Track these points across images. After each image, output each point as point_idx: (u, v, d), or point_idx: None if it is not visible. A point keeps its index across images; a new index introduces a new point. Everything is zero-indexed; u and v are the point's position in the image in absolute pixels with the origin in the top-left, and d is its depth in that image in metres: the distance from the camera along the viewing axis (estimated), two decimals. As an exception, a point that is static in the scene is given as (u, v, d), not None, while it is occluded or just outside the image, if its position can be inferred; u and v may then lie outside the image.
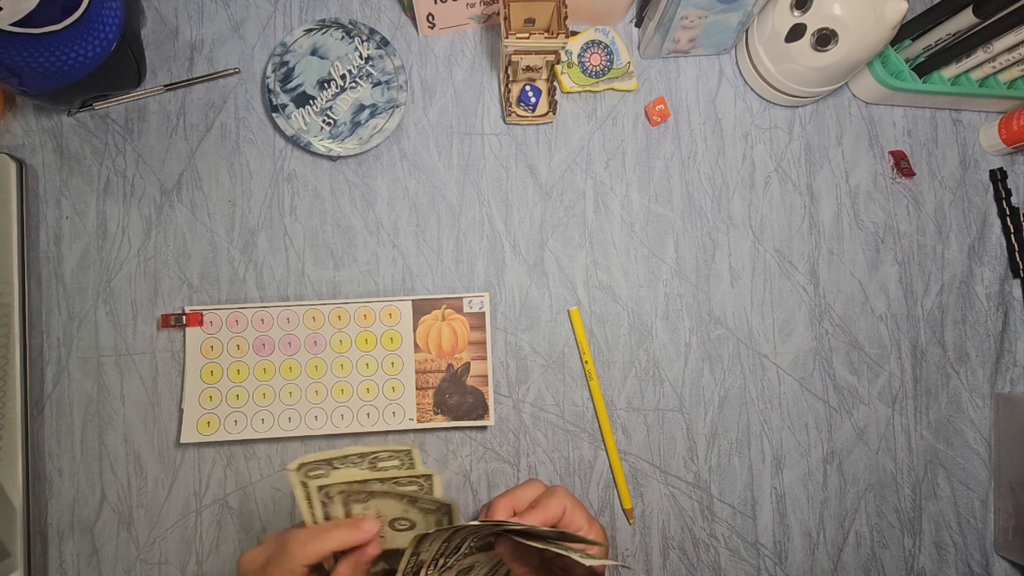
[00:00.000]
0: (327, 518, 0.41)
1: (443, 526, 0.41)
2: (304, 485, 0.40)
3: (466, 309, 0.59)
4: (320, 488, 0.40)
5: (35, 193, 0.58)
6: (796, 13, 0.57)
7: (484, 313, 0.59)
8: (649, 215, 0.62)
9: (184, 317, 0.57)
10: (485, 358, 0.59)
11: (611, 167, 0.62)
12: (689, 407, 0.62)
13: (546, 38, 0.54)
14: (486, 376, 0.59)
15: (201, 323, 0.57)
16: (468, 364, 0.59)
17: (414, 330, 0.59)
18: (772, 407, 0.62)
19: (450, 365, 0.59)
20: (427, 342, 0.59)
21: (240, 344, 0.58)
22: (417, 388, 0.59)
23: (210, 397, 0.57)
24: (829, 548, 0.62)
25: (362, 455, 0.41)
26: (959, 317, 0.65)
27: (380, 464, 0.41)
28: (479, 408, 0.59)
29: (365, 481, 0.40)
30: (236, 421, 0.57)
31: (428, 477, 0.41)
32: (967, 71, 0.63)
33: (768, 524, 0.62)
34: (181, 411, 0.57)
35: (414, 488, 0.41)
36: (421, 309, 0.59)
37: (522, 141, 0.62)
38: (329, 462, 0.40)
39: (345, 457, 0.40)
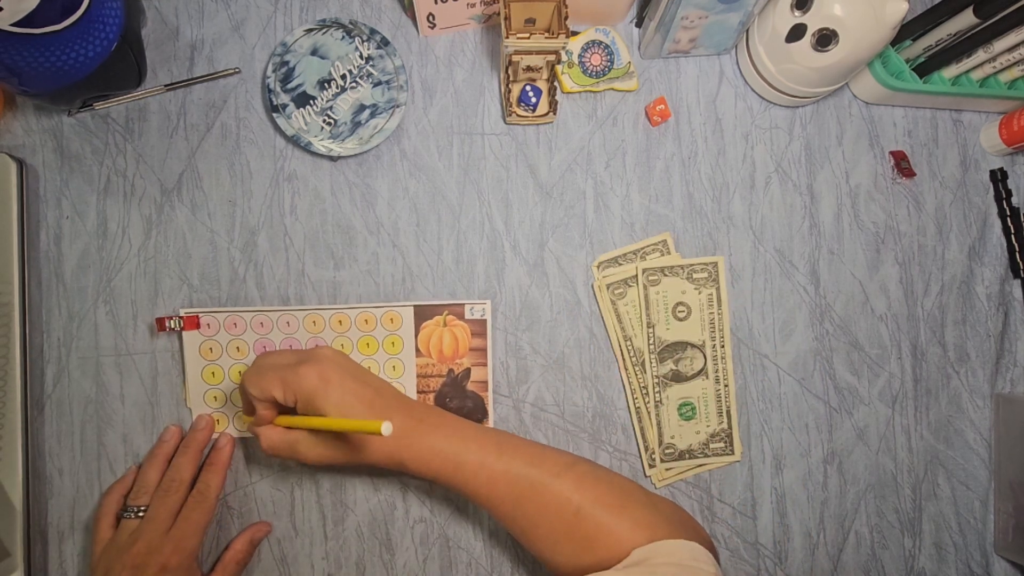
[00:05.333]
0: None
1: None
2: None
3: (468, 316, 0.59)
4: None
5: (35, 193, 0.58)
6: (796, 13, 0.57)
7: (485, 320, 0.59)
8: (649, 215, 0.62)
9: (179, 321, 0.56)
10: (486, 364, 0.59)
11: (611, 167, 0.62)
12: (689, 407, 0.62)
13: (546, 38, 0.54)
14: (486, 382, 0.59)
15: (198, 326, 0.57)
16: (469, 370, 0.59)
17: (415, 335, 0.59)
18: (772, 407, 0.62)
19: (451, 370, 0.59)
20: (428, 347, 0.59)
21: (240, 347, 0.58)
22: (418, 391, 0.59)
23: (215, 398, 0.57)
24: (829, 548, 0.62)
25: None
26: (959, 317, 0.65)
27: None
28: (479, 412, 0.59)
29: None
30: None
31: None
32: (967, 71, 0.63)
33: (768, 524, 0.62)
34: (189, 411, 0.57)
35: None
36: (423, 315, 0.59)
37: (522, 141, 0.62)
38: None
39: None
